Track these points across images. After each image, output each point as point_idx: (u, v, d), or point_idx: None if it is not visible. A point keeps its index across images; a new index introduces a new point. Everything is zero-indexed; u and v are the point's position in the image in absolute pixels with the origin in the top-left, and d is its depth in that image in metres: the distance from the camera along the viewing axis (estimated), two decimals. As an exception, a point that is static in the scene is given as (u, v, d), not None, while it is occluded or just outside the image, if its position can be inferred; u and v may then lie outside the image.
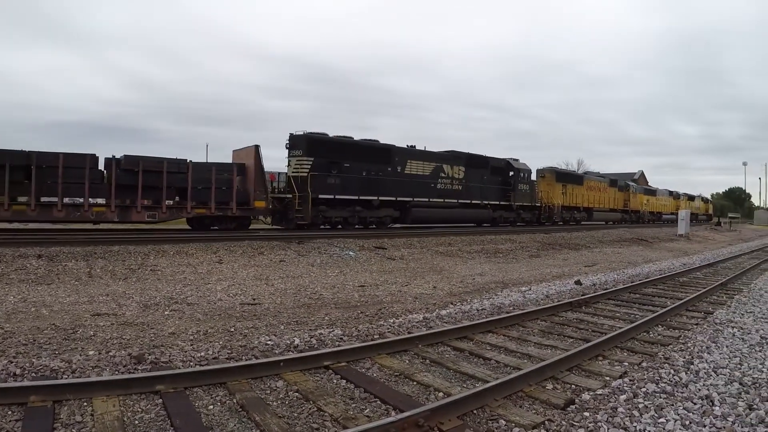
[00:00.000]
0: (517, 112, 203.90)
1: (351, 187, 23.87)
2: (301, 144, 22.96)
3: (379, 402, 5.22)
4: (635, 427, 4.60)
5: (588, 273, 17.14)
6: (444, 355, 7.08)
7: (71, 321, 8.18)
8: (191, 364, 6.12)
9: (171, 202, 19.66)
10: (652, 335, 8.46)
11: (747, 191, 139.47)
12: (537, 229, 31.43)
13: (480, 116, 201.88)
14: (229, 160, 21.18)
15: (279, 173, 24.51)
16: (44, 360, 5.95)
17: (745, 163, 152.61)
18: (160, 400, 4.94)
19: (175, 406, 4.80)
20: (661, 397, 5.34)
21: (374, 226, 25.22)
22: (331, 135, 24.43)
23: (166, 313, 9.22)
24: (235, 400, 5.06)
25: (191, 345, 7.03)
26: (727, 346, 7.48)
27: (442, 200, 28.32)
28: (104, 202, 18.35)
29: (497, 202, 32.35)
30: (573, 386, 5.88)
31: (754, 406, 5.15)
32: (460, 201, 29.38)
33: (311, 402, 5.11)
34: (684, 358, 6.85)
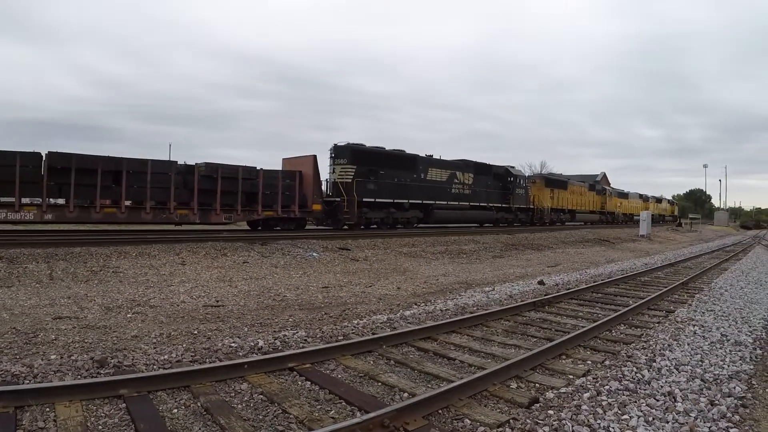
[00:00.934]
0: (481, 114, 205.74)
1: (386, 191, 26.95)
2: (346, 153, 25.87)
3: (344, 403, 5.26)
4: (599, 424, 4.70)
5: (551, 273, 17.35)
6: (408, 355, 7.14)
7: (32, 324, 8.08)
8: (154, 367, 6.10)
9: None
10: (614, 334, 8.61)
11: (707, 193, 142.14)
12: (501, 230, 32.00)
13: (443, 117, 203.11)
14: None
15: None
16: (5, 365, 5.88)
17: (705, 166, 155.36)
18: (124, 405, 4.91)
19: (139, 410, 4.78)
20: (624, 395, 5.46)
21: (401, 226, 28.17)
22: (367, 145, 27.16)
23: (128, 315, 9.14)
24: (199, 404, 5.06)
25: (154, 348, 7.00)
26: (688, 344, 7.67)
27: (457, 203, 31.75)
28: (187, 205, 19.98)
29: (499, 205, 35.91)
30: (537, 385, 5.98)
31: (716, 402, 5.30)
32: (470, 204, 32.81)
33: (276, 404, 5.13)
34: (646, 356, 7.00)
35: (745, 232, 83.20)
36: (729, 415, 5.02)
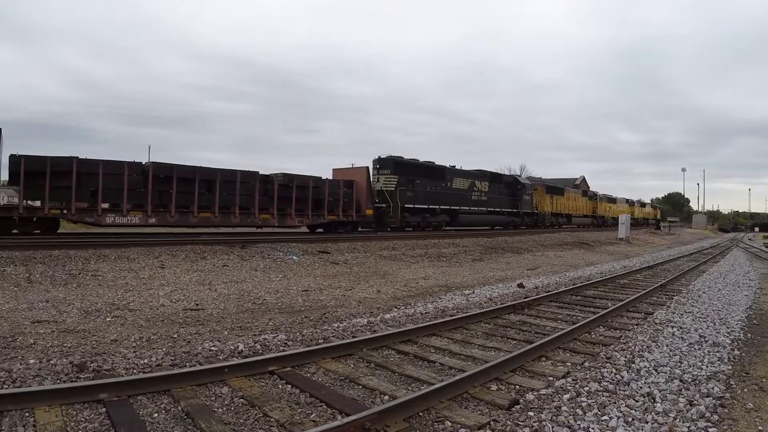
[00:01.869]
0: (460, 117, 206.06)
1: (421, 198, 30.56)
2: (390, 165, 29.63)
3: (325, 406, 5.26)
4: (579, 425, 4.74)
5: (530, 276, 17.45)
6: (389, 358, 7.15)
7: (10, 328, 7.99)
8: (134, 371, 6.06)
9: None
10: (593, 336, 8.68)
11: (686, 196, 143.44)
12: (480, 233, 32.54)
13: (423, 121, 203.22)
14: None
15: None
16: (-18, 369, 5.82)
17: (684, 169, 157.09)
18: (104, 409, 4.87)
19: (119, 414, 4.75)
20: (603, 396, 5.51)
21: (431, 229, 31.63)
22: (405, 158, 30.92)
23: (107, 319, 9.07)
24: (180, 408, 5.03)
25: (134, 352, 6.96)
26: (667, 345, 7.74)
27: (477, 209, 36.10)
28: (267, 210, 23.14)
29: (510, 210, 40.63)
30: (517, 387, 6.00)
31: (695, 402, 5.36)
32: (487, 209, 37.20)
33: (257, 408, 5.12)
34: (625, 357, 7.06)
35: (723, 235, 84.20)
36: (708, 414, 5.07)
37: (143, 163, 19.87)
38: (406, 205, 29.10)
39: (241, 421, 4.86)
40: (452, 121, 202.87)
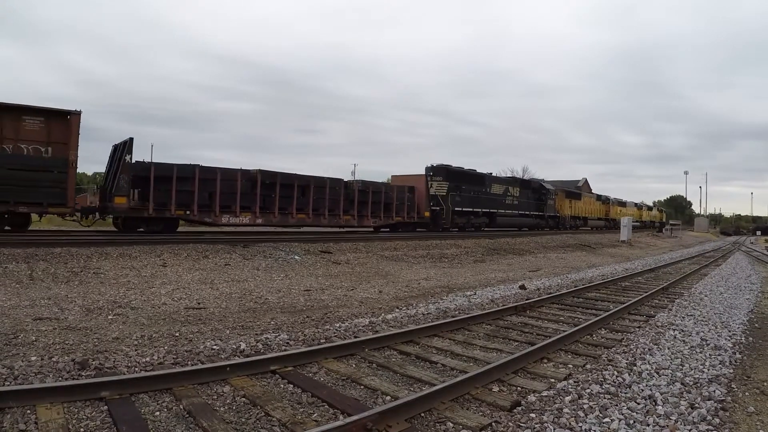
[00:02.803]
0: (463, 119, 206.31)
1: (467, 202, 34.63)
2: (442, 172, 33.46)
3: (326, 406, 5.25)
4: (581, 427, 4.74)
5: (532, 278, 17.44)
6: (391, 359, 7.14)
7: (12, 325, 8.00)
8: (136, 369, 6.05)
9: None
10: (595, 338, 8.67)
11: (688, 199, 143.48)
12: (481, 235, 32.88)
13: (426, 122, 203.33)
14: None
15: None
16: (-16, 366, 5.83)
17: (686, 172, 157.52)
18: (106, 407, 4.87)
19: (121, 412, 4.75)
20: (605, 398, 5.50)
21: (473, 228, 35.85)
22: (453, 166, 34.78)
23: (109, 317, 9.08)
24: (181, 406, 5.04)
25: (136, 350, 6.96)
26: (668, 348, 7.74)
27: (510, 211, 40.46)
28: (348, 213, 26.48)
29: (536, 213, 44.94)
30: (519, 388, 5.99)
31: (696, 405, 5.36)
32: (518, 212, 41.61)
33: (258, 407, 5.11)
34: (627, 359, 7.05)
35: (725, 238, 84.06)
36: (709, 418, 5.07)
37: (251, 171, 22.81)
38: (455, 208, 33.02)
39: (243, 420, 4.85)
40: (455, 122, 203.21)
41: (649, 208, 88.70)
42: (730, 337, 8.79)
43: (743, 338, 8.86)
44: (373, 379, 6.16)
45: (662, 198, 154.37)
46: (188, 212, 20.57)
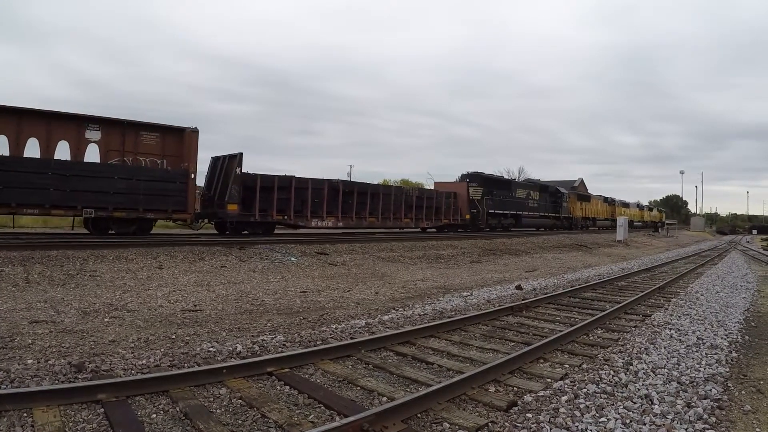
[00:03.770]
0: (460, 120, 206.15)
1: (497, 205, 39.29)
2: (477, 179, 38.84)
3: (323, 407, 5.26)
4: (577, 426, 4.75)
5: (528, 278, 17.47)
6: (387, 360, 7.15)
7: (8, 329, 7.98)
8: (133, 372, 6.05)
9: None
10: (591, 338, 8.69)
11: (684, 199, 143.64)
12: (477, 235, 33.16)
13: (423, 123, 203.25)
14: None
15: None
16: (-20, 370, 5.82)
17: (682, 172, 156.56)
18: (102, 410, 4.87)
19: (118, 415, 4.75)
20: (601, 397, 5.51)
21: (501, 229, 40.06)
22: (485, 173, 41.09)
23: (105, 320, 9.07)
24: (178, 409, 5.04)
25: (132, 352, 6.95)
26: (665, 347, 7.75)
27: (532, 213, 45.19)
28: (407, 216, 30.64)
29: (553, 215, 49.65)
30: (515, 388, 6.00)
31: (692, 404, 5.37)
32: (539, 214, 46.54)
33: (255, 409, 5.11)
34: (623, 359, 7.07)
35: (721, 238, 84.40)
36: (705, 416, 5.09)
37: (334, 180, 26.57)
38: (489, 211, 37.87)
39: (240, 422, 4.86)
40: (452, 123, 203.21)
41: (650, 209, 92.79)
42: (726, 335, 8.81)
43: (739, 337, 8.89)
44: (369, 380, 6.16)
45: (658, 198, 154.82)
46: (285, 217, 23.86)
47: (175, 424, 4.73)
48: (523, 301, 11.47)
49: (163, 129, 20.54)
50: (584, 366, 6.84)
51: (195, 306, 10.56)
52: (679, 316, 10.31)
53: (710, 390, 5.85)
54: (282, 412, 5.01)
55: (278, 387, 5.85)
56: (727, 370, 6.87)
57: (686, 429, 4.79)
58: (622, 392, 5.70)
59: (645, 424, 4.82)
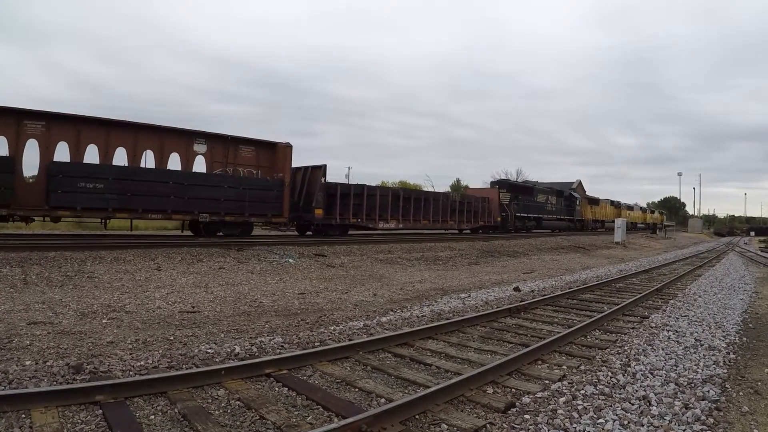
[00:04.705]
0: (459, 121, 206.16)
1: (522, 209, 43.29)
2: (506, 185, 45.14)
3: (321, 409, 5.26)
4: (575, 428, 4.76)
5: (526, 280, 17.47)
6: (385, 361, 7.15)
7: (6, 330, 7.98)
8: (131, 373, 6.05)
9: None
10: (589, 339, 8.69)
11: (682, 200, 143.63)
12: (476, 237, 33.58)
13: (421, 124, 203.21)
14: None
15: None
16: (-22, 371, 5.81)
17: (680, 174, 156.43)
18: (100, 411, 4.87)
19: (116, 416, 4.75)
20: (599, 399, 5.52)
21: (525, 231, 44.01)
22: (512, 180, 49.42)
23: (103, 321, 9.06)
24: (176, 410, 5.04)
25: (130, 354, 6.95)
26: (662, 349, 7.76)
27: (551, 216, 49.52)
28: (451, 218, 34.34)
29: (568, 217, 53.77)
30: (513, 390, 6.00)
31: (690, 405, 5.38)
32: (556, 216, 50.82)
33: (253, 410, 5.12)
34: (621, 360, 7.08)
35: (719, 239, 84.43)
36: (703, 418, 5.09)
37: (396, 188, 34.34)
38: (516, 214, 41.94)
39: (238, 423, 4.86)
40: (450, 124, 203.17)
41: (651, 211, 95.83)
42: (724, 337, 8.82)
43: (737, 338, 8.90)
44: (367, 382, 6.16)
45: (656, 199, 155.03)
46: (359, 219, 27.34)
47: (174, 426, 4.74)
48: (521, 303, 11.47)
49: (257, 143, 23.79)
50: (582, 367, 6.85)
51: (193, 307, 10.56)
52: (677, 318, 10.32)
53: (708, 391, 5.86)
54: (280, 414, 5.02)
55: (276, 388, 5.85)
56: (725, 371, 6.88)
57: (684, 430, 4.80)
58: (620, 393, 5.70)
59: (643, 426, 4.83)
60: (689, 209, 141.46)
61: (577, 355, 7.60)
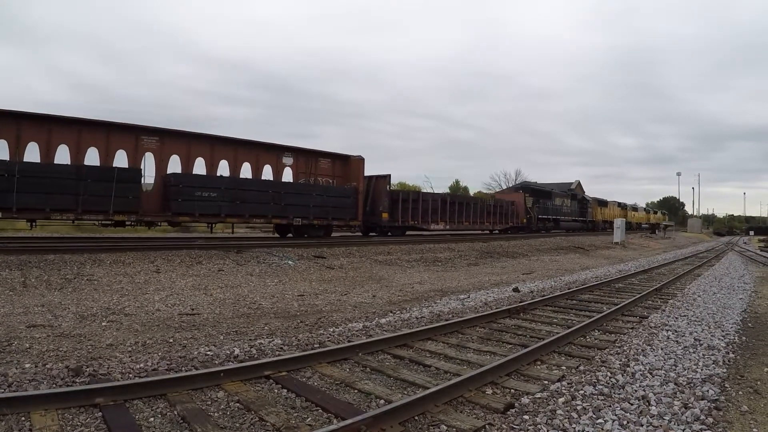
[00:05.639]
0: (458, 122, 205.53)
1: (542, 211, 48.19)
2: (528, 189, 49.53)
3: (320, 410, 5.26)
4: (574, 428, 4.77)
5: (526, 280, 17.47)
6: (384, 363, 7.15)
7: (6, 333, 7.98)
8: (130, 375, 6.06)
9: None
10: (589, 340, 8.69)
11: (681, 200, 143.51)
12: (475, 238, 33.44)
13: (421, 126, 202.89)
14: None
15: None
16: (-22, 374, 5.81)
17: (679, 174, 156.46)
18: (100, 413, 4.88)
19: (116, 419, 4.75)
20: (598, 399, 5.52)
21: (545, 231, 48.32)
22: (532, 184, 54.43)
23: (103, 324, 9.06)
24: (176, 412, 5.04)
25: (130, 356, 6.95)
26: (662, 349, 7.76)
27: (567, 218, 54.27)
28: (486, 219, 38.99)
29: (581, 219, 58.62)
30: (512, 390, 6.00)
31: (690, 405, 5.38)
32: (571, 218, 55.59)
33: (252, 412, 5.12)
34: (620, 361, 7.08)
35: (718, 239, 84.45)
36: (702, 417, 5.10)
37: (443, 194, 38.86)
38: (538, 216, 46.77)
39: (237, 425, 4.86)
40: (450, 126, 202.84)
41: (654, 212, 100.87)
42: (723, 336, 8.82)
43: (736, 338, 8.90)
44: (366, 383, 6.17)
45: (655, 199, 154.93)
46: (414, 222, 30.96)
47: (173, 428, 4.74)
48: (520, 304, 11.47)
49: (333, 156, 27.54)
50: (581, 368, 6.85)
51: (192, 310, 10.56)
52: (677, 318, 10.32)
53: (707, 391, 5.87)
54: (279, 416, 5.02)
55: (276, 390, 5.85)
56: (725, 371, 6.88)
57: (683, 430, 4.80)
58: (619, 394, 5.71)
59: (642, 426, 4.84)
60: (688, 209, 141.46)
61: (576, 356, 7.60)
